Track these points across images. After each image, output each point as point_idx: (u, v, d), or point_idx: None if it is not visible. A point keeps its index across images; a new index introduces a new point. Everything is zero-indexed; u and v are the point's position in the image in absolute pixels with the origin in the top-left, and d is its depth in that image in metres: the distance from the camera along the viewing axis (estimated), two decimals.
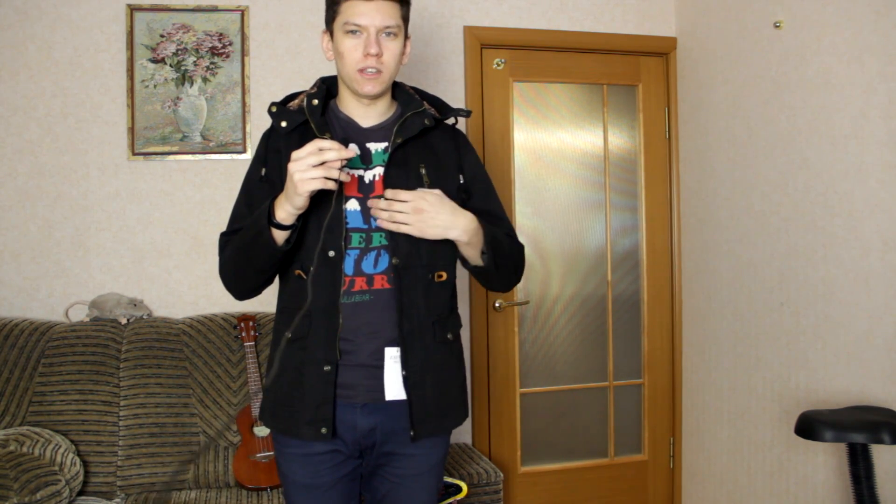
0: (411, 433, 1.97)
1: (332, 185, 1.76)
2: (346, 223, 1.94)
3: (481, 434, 3.77)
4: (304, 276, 1.95)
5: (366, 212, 1.96)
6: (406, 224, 1.86)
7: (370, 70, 1.93)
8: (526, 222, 3.87)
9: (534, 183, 3.90)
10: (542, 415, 3.94)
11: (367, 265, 1.96)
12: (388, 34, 1.93)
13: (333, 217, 1.89)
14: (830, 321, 2.97)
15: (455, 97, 3.72)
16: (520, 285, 3.83)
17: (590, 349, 3.99)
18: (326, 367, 1.94)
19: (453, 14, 3.75)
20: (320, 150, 1.74)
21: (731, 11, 3.51)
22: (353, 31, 1.92)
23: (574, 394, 3.97)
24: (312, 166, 1.73)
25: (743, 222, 3.46)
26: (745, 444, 3.48)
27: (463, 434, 3.73)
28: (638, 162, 4.02)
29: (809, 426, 2.48)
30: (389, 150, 1.97)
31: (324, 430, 1.94)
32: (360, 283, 1.95)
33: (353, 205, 1.96)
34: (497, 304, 3.79)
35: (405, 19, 1.99)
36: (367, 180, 1.98)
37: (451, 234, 1.90)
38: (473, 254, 1.98)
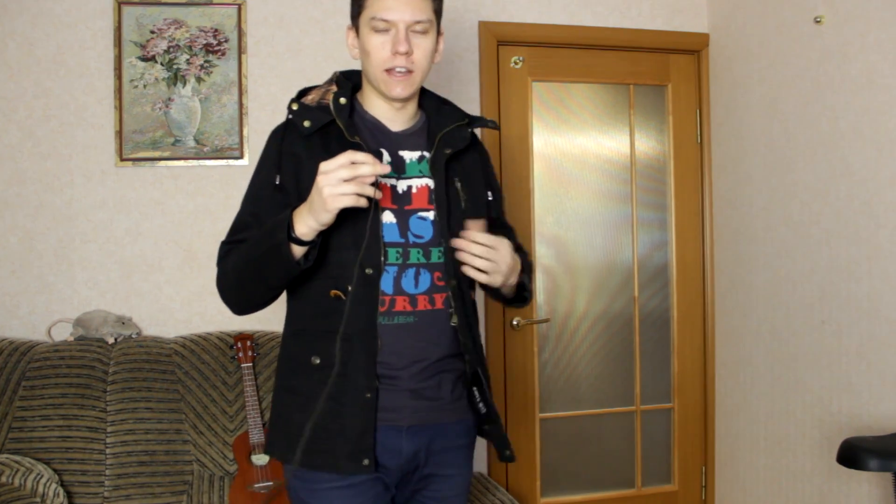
0: (507, 452, 2.09)
1: (363, 203, 1.74)
2: (383, 238, 1.93)
3: (498, 463, 3.75)
4: (343, 297, 1.92)
5: (402, 225, 1.95)
6: (484, 272, 1.90)
7: (399, 70, 1.93)
8: (546, 232, 3.88)
9: (555, 191, 3.91)
10: (564, 442, 3.95)
11: (408, 284, 1.94)
12: (419, 30, 1.93)
13: (371, 232, 1.89)
14: (875, 340, 2.98)
15: (470, 98, 3.73)
16: (540, 302, 3.88)
17: (615, 371, 4.01)
18: (368, 395, 1.91)
19: (467, 8, 3.76)
20: (353, 163, 1.71)
21: (767, 5, 3.54)
22: (380, 28, 1.92)
23: (598, 419, 3.99)
24: (344, 181, 1.70)
25: (780, 234, 3.47)
26: (783, 473, 3.49)
27: (478, 463, 3.69)
28: (667, 168, 4.04)
29: (853, 454, 2.47)
30: (435, 162, 1.99)
31: (366, 462, 1.91)
32: (402, 303, 1.94)
33: (388, 217, 1.95)
34: (515, 322, 3.78)
35: (437, 13, 2.00)
36: (400, 191, 1.98)
37: (503, 283, 1.98)
38: (509, 289, 2.07)
